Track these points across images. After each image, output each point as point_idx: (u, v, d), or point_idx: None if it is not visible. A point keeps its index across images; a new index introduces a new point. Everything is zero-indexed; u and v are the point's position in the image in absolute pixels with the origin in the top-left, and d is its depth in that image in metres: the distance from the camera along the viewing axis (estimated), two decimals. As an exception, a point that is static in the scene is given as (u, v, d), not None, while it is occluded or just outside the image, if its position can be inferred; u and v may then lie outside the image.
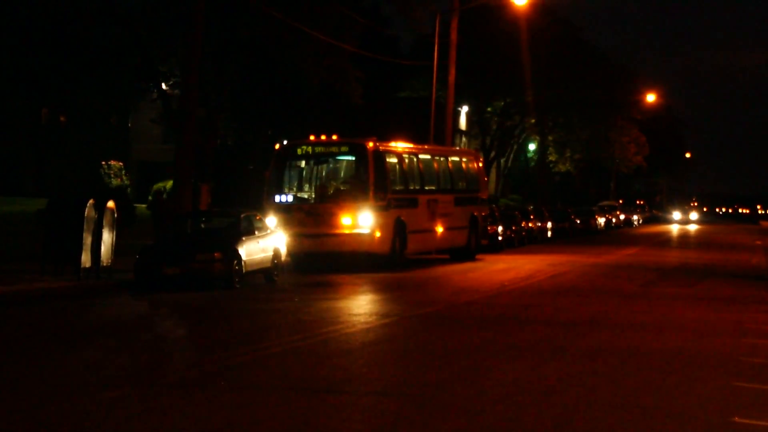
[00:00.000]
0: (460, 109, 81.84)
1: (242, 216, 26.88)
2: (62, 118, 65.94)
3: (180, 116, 32.56)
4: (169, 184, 44.11)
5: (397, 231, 32.45)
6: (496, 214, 45.60)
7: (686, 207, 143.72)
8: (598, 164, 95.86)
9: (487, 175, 70.79)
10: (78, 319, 19.67)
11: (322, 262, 32.09)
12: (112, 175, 60.85)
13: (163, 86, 45.73)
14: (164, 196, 38.23)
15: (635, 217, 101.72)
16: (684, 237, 74.28)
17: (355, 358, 14.95)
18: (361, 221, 31.19)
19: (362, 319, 19.49)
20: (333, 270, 31.11)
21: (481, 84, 70.45)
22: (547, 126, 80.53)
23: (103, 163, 61.20)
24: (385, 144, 33.26)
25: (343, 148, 32.80)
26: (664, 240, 67.32)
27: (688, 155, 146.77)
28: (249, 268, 25.52)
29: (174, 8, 39.83)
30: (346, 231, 31.20)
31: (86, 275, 24.66)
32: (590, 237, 65.27)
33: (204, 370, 13.54)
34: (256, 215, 27.75)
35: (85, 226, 24.58)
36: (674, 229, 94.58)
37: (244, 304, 22.02)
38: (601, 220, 78.00)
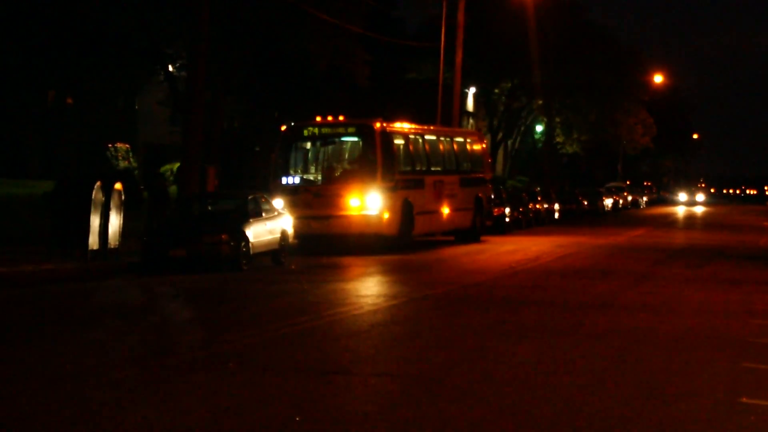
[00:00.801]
0: (467, 90, 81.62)
1: (249, 198, 26.86)
2: (69, 101, 65.93)
3: (187, 98, 32.54)
4: (176, 166, 44.12)
5: (405, 212, 32.35)
6: (504, 195, 45.57)
7: (693, 188, 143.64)
8: (605, 146, 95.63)
9: (495, 157, 70.86)
10: (85, 301, 19.70)
11: (329, 243, 32.02)
12: (119, 158, 60.90)
13: (170, 68, 45.73)
14: (171, 178, 38.25)
15: (642, 199, 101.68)
16: (691, 218, 74.21)
17: (362, 339, 14.95)
18: (368, 203, 31.09)
19: (370, 300, 19.49)
20: (340, 252, 31.10)
21: (488, 65, 70.31)
22: (554, 107, 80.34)
23: (110, 145, 61.20)
24: (391, 125, 33.14)
25: (350, 129, 32.72)
26: (671, 221, 67.27)
27: (695, 136, 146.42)
28: (256, 250, 25.54)
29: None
30: (354, 213, 31.11)
31: (93, 257, 24.70)
32: (597, 218, 65.26)
33: (212, 352, 13.55)
34: (263, 197, 27.73)
35: (92, 209, 24.61)
36: (681, 210, 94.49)
37: (251, 286, 22.03)
38: (608, 202, 77.99)
